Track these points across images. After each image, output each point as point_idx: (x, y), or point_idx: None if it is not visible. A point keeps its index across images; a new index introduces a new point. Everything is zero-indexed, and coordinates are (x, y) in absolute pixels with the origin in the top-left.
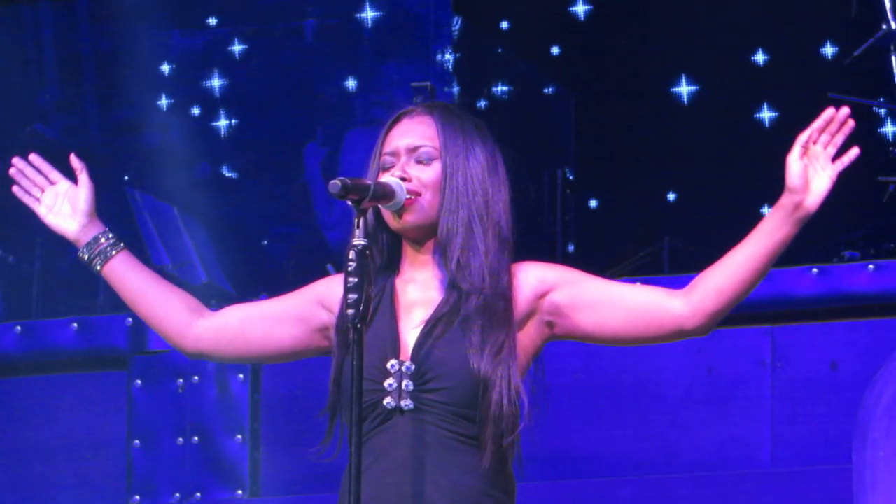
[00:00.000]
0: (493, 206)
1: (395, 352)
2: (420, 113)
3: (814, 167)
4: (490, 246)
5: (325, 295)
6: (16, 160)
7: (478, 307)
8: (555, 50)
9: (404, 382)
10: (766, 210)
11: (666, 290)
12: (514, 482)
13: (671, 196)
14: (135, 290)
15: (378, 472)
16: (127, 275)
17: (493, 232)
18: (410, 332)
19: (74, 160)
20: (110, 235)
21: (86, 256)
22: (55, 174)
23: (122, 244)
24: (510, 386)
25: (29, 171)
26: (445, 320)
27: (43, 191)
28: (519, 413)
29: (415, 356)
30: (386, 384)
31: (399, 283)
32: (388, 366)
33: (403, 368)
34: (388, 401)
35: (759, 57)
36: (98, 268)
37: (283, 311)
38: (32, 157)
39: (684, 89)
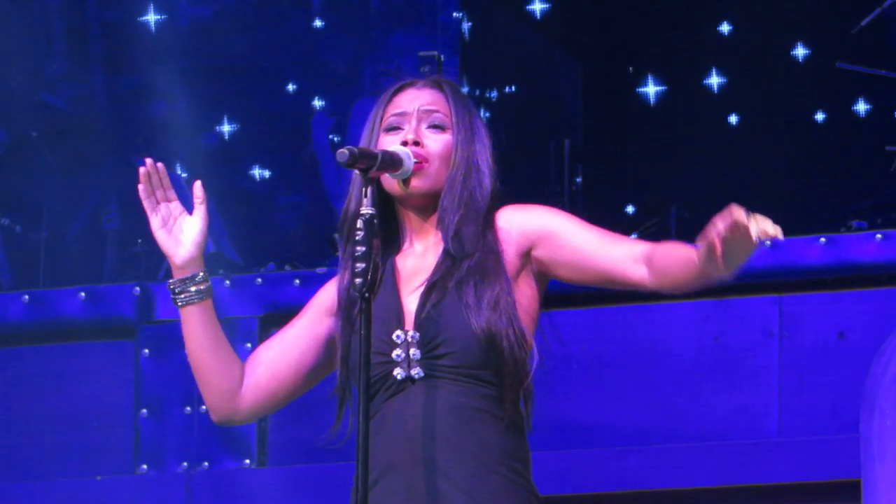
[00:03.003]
0: (493, 184)
1: (400, 322)
2: (429, 85)
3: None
4: (483, 217)
5: (329, 302)
6: (149, 161)
7: (470, 269)
8: (564, 18)
9: (412, 351)
10: (764, 171)
11: (632, 253)
12: (530, 453)
13: (678, 168)
14: (210, 339)
15: (391, 440)
16: (208, 323)
17: (490, 206)
18: (410, 298)
19: (198, 189)
20: (208, 276)
21: (178, 288)
22: (172, 192)
23: (211, 291)
24: (515, 333)
25: (154, 177)
26: (440, 285)
27: (159, 202)
28: (528, 365)
29: (418, 324)
30: (394, 355)
31: (399, 257)
32: (394, 336)
33: (409, 337)
34: (398, 371)
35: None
36: (187, 303)
37: (298, 337)
38: (160, 165)
39: (724, 29)
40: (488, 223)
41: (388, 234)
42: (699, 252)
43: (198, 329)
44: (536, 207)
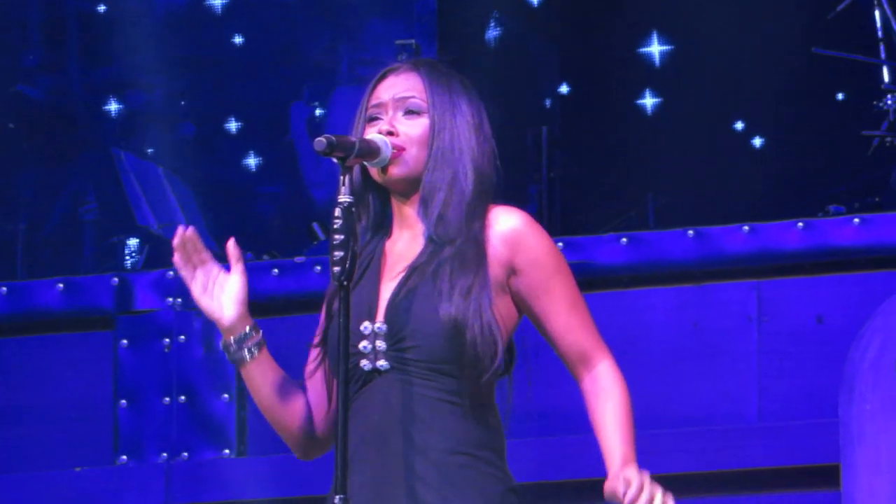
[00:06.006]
0: (479, 162)
1: (372, 314)
2: (406, 70)
3: None
4: (472, 200)
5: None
6: (180, 228)
7: (450, 255)
8: (540, 2)
9: (377, 343)
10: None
11: (586, 358)
12: (503, 438)
13: (656, 155)
14: (276, 386)
15: (358, 433)
16: (271, 370)
17: (477, 186)
18: (388, 287)
19: (232, 247)
20: (258, 328)
21: (234, 349)
22: (206, 254)
23: (264, 339)
24: (482, 324)
25: (189, 245)
26: (419, 273)
27: (195, 269)
28: (496, 353)
29: (387, 316)
30: (361, 346)
31: (388, 244)
32: (362, 328)
33: (376, 329)
34: (364, 363)
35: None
36: (246, 361)
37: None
38: (190, 230)
39: (656, 48)
40: (478, 213)
41: (378, 214)
42: (605, 450)
43: (262, 381)
44: (541, 239)
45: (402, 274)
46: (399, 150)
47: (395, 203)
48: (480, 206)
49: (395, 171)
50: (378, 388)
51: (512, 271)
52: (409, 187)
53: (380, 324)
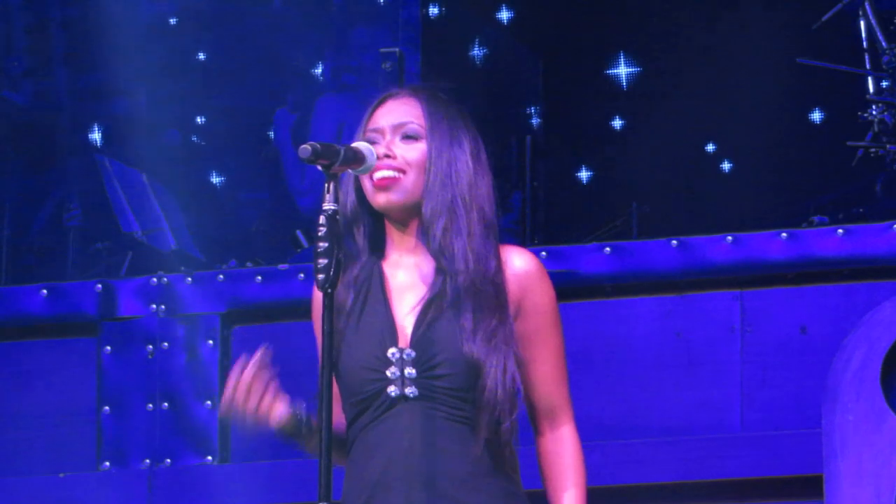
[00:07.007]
0: (477, 190)
1: (394, 339)
2: (406, 95)
3: None
4: (474, 229)
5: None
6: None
7: (465, 290)
8: (522, 12)
9: (406, 370)
10: (726, 166)
11: (554, 414)
12: (517, 458)
13: (638, 164)
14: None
15: (384, 458)
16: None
17: (478, 216)
18: (405, 317)
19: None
20: (298, 406)
21: (304, 427)
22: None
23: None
24: (505, 373)
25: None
26: (436, 305)
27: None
28: (515, 400)
29: (414, 343)
30: (388, 373)
31: (387, 267)
32: (389, 354)
33: (404, 356)
34: (391, 389)
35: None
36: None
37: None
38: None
39: (622, 70)
40: (489, 247)
41: (373, 235)
42: None
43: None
44: (549, 287)
45: (421, 303)
46: (399, 172)
47: (392, 229)
48: (489, 241)
49: (394, 197)
50: (404, 414)
51: (517, 312)
52: (408, 214)
53: (408, 350)
